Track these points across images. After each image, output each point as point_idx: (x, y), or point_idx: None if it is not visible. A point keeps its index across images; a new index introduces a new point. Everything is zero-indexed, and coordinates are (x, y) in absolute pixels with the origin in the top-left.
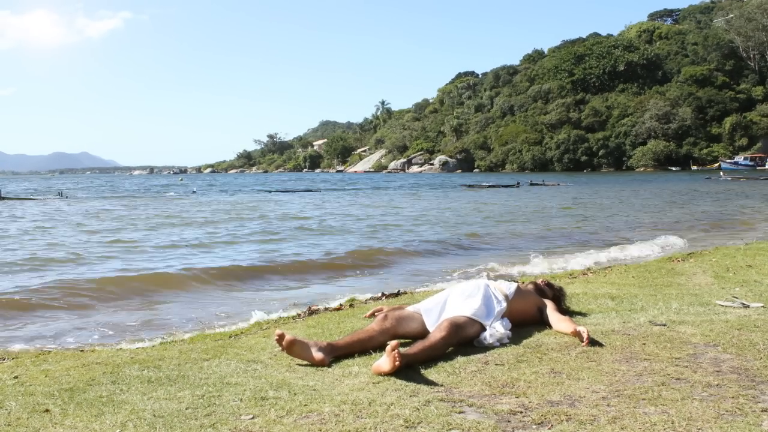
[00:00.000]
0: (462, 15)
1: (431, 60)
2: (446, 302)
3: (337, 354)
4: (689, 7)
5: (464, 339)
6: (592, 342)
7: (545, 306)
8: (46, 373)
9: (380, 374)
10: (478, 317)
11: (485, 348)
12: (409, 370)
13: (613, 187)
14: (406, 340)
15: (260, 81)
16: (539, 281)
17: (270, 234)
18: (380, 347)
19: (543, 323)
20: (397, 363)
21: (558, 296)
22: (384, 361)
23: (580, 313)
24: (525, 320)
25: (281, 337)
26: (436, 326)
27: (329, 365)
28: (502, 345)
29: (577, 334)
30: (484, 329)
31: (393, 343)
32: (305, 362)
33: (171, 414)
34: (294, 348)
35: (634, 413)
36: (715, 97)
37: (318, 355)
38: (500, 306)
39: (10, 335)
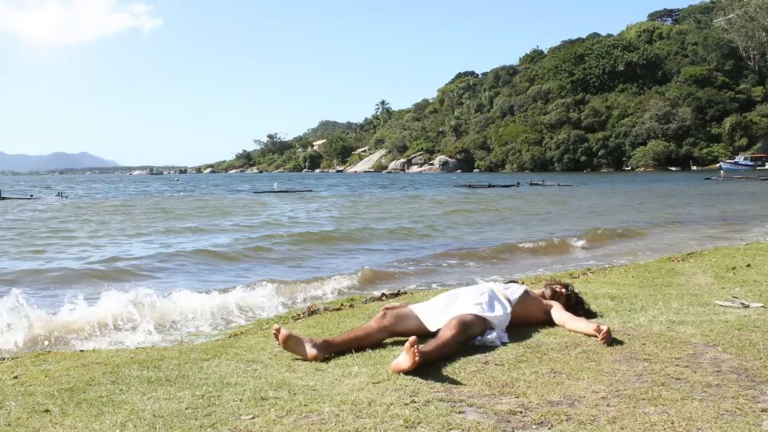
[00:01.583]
0: (462, 15)
1: (431, 60)
2: (449, 302)
3: (332, 350)
4: (689, 7)
5: (471, 337)
6: (611, 341)
7: (553, 308)
8: (46, 373)
9: (399, 371)
10: (484, 316)
11: (484, 347)
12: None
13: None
14: (405, 339)
15: (260, 81)
16: (557, 287)
17: None
18: (377, 345)
19: (550, 325)
20: (417, 359)
21: (573, 304)
22: (403, 358)
23: None
24: (530, 323)
25: (278, 332)
26: (445, 325)
27: (324, 361)
28: (503, 344)
29: (598, 331)
30: (487, 329)
31: (412, 339)
32: (300, 357)
33: (171, 414)
34: (289, 343)
35: (633, 413)
36: (715, 97)
37: (311, 351)
38: (505, 310)
39: None
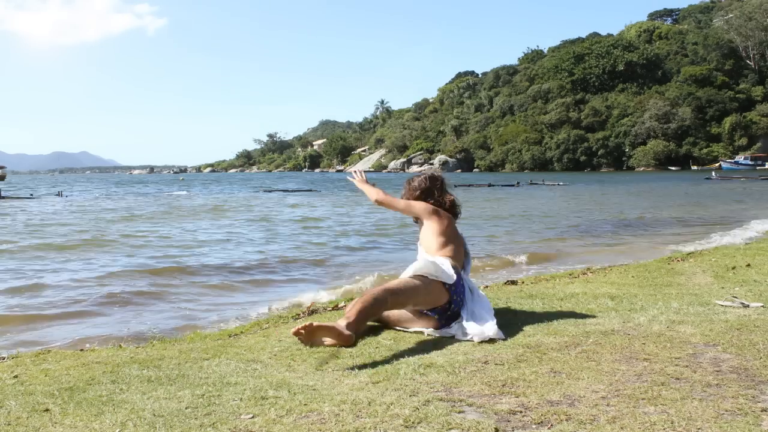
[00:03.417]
0: (462, 15)
1: (431, 60)
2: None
3: (356, 328)
4: (689, 6)
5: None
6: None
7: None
8: (46, 373)
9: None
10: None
11: (483, 347)
12: (408, 369)
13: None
14: (404, 330)
15: (260, 80)
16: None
17: None
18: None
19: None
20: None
21: None
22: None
23: (580, 314)
24: None
25: (303, 329)
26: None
27: (324, 361)
28: (490, 340)
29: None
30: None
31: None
32: (331, 345)
33: (171, 413)
34: (317, 334)
35: (633, 413)
36: (715, 96)
37: (345, 332)
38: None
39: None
